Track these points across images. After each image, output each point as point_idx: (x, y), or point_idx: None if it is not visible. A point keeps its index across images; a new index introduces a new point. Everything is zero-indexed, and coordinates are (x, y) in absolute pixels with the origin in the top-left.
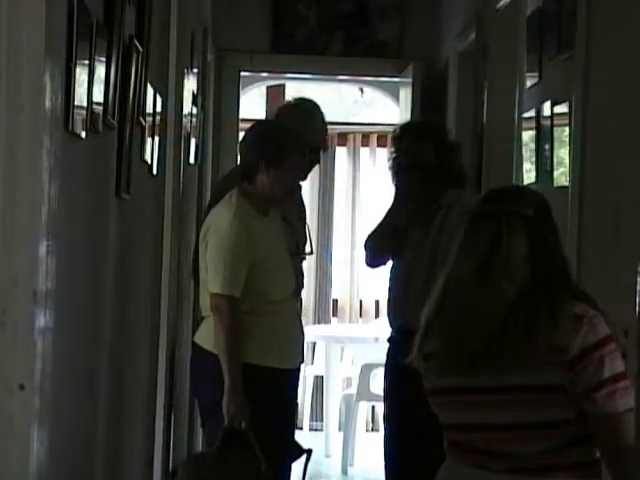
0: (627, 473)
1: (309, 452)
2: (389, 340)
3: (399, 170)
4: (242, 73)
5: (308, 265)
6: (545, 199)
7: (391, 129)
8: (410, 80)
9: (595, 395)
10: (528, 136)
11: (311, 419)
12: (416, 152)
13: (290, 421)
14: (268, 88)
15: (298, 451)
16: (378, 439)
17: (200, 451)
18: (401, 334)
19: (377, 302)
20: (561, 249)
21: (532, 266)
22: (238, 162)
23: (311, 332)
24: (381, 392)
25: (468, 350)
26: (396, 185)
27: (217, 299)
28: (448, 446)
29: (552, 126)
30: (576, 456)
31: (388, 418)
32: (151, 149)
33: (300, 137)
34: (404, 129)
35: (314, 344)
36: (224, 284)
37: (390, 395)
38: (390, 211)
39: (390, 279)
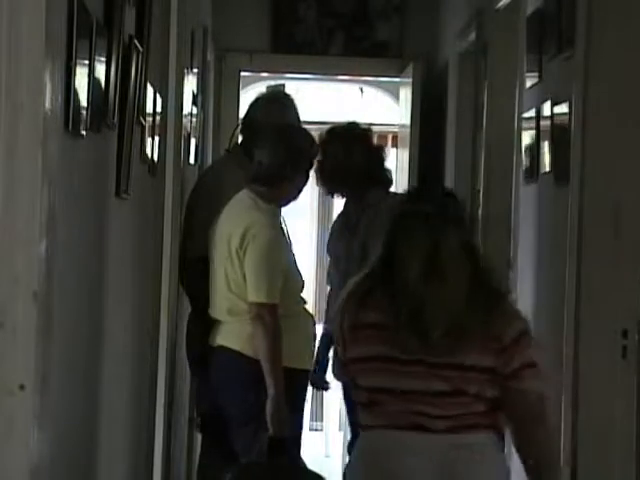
0: (537, 442)
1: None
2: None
3: (324, 173)
4: (242, 73)
5: (308, 265)
6: (461, 201)
7: (391, 129)
8: (410, 80)
9: (522, 373)
10: (528, 136)
11: (311, 419)
12: (344, 154)
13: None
14: (268, 88)
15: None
16: None
17: (246, 462)
18: None
19: None
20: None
21: (471, 263)
22: (259, 163)
23: None
24: None
25: (427, 332)
26: (322, 186)
27: (261, 308)
28: (376, 413)
29: (552, 126)
30: (495, 419)
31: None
32: (151, 149)
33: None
34: (330, 133)
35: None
36: (269, 293)
37: None
38: None
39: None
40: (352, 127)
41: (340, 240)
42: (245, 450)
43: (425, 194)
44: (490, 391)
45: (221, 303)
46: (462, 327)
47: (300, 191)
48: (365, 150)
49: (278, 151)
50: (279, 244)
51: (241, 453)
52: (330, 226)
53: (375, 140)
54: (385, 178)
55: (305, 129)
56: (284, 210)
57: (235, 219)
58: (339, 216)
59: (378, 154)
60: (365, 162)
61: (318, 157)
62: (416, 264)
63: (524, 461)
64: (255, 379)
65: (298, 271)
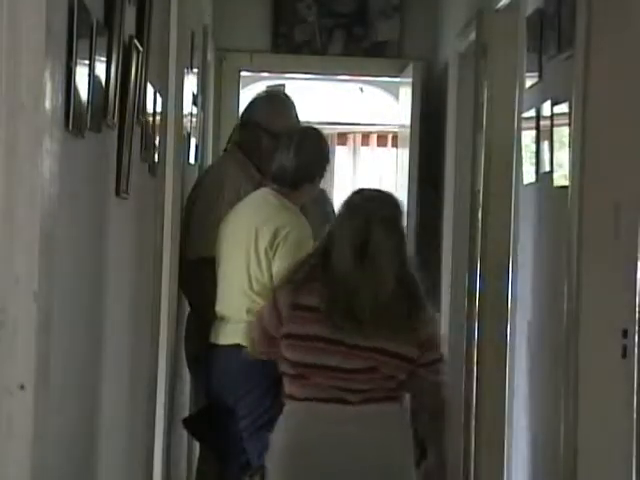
0: (438, 425)
1: None
2: None
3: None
4: (242, 73)
5: None
6: (400, 203)
7: (391, 129)
8: (410, 80)
9: (434, 367)
10: (528, 136)
11: None
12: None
13: None
14: (268, 88)
15: None
16: None
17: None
18: None
19: None
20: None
21: (400, 260)
22: (281, 166)
23: None
24: None
25: (357, 317)
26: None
27: None
28: (301, 386)
29: (552, 126)
30: (401, 393)
31: None
32: (151, 149)
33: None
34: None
35: None
36: None
37: None
38: None
39: None
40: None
41: None
42: (260, 455)
43: (366, 195)
44: (402, 375)
45: (239, 301)
46: (388, 316)
47: (315, 192)
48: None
49: (303, 154)
50: (310, 244)
51: (256, 460)
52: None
53: (377, 140)
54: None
55: (321, 131)
56: None
57: (265, 219)
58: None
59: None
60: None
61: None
62: (349, 256)
63: (422, 429)
64: (273, 382)
65: None
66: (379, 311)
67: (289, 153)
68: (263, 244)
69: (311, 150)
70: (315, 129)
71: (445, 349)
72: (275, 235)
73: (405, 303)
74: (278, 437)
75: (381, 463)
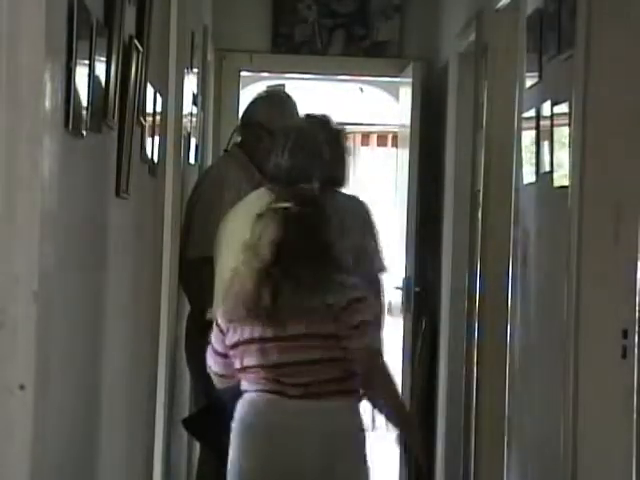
0: (381, 388)
1: None
2: None
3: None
4: (242, 73)
5: None
6: (319, 199)
7: (391, 129)
8: (410, 80)
9: (350, 333)
10: (528, 136)
11: None
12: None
13: None
14: (268, 88)
15: None
16: (378, 438)
17: None
18: None
19: None
20: (330, 235)
21: (305, 246)
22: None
23: None
24: None
25: (276, 312)
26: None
27: None
28: (252, 380)
29: (552, 126)
30: (352, 385)
31: None
32: (151, 149)
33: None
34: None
35: None
36: None
37: None
38: None
39: None
40: (317, 119)
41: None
42: None
43: (289, 192)
44: (333, 353)
45: None
46: (299, 299)
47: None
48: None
49: (299, 153)
50: None
51: None
52: None
53: (377, 140)
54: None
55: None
56: None
57: (254, 217)
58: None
59: (343, 153)
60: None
61: (274, 149)
62: (267, 252)
63: (378, 409)
64: None
65: None
66: (293, 301)
67: (285, 152)
68: None
69: (304, 149)
70: (309, 128)
71: (366, 312)
72: None
73: (320, 285)
74: (233, 426)
75: (321, 462)
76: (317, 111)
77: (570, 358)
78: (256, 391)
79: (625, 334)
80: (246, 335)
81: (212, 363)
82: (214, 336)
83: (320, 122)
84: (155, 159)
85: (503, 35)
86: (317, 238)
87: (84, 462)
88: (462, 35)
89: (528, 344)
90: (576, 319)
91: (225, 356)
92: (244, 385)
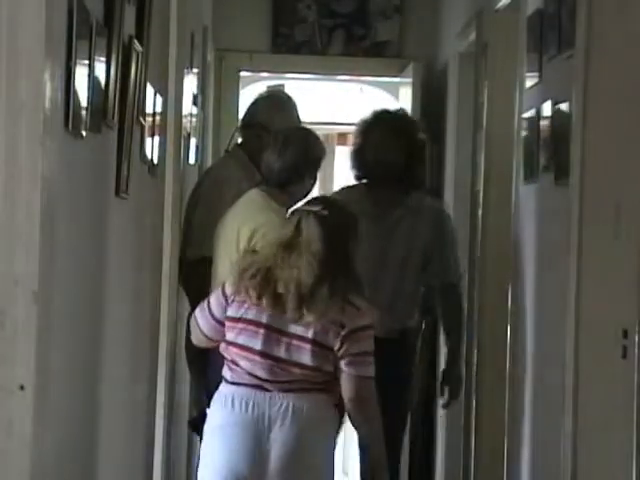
0: (365, 418)
1: None
2: None
3: (363, 163)
4: (242, 73)
5: None
6: (342, 207)
7: None
8: (410, 80)
9: (353, 360)
10: (528, 136)
11: None
12: (386, 148)
13: None
14: (268, 88)
15: None
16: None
17: None
18: None
19: None
20: (350, 247)
21: (326, 245)
22: (269, 166)
23: None
24: None
25: (283, 303)
26: (358, 177)
27: None
28: (232, 371)
29: (552, 126)
30: (333, 387)
31: None
32: (151, 149)
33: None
34: (377, 119)
35: None
36: None
37: None
38: None
39: None
40: (399, 117)
41: (364, 233)
42: None
43: (314, 201)
44: (327, 366)
45: None
46: (311, 303)
47: (308, 192)
48: (410, 145)
49: (288, 155)
50: None
51: None
52: None
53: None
54: (423, 179)
55: (313, 131)
56: None
57: (246, 218)
58: (356, 202)
59: (421, 152)
60: (407, 158)
61: (358, 140)
62: (277, 248)
63: (358, 432)
64: None
65: None
66: (303, 298)
67: (274, 153)
68: (242, 244)
69: (296, 151)
70: (303, 129)
71: (370, 342)
72: (253, 235)
73: (330, 293)
74: (210, 413)
75: (291, 458)
76: (316, 111)
77: (570, 358)
78: (233, 384)
79: (625, 334)
80: (250, 315)
81: (202, 322)
82: (215, 300)
83: (397, 127)
84: (155, 159)
85: (503, 35)
86: (347, 250)
87: (84, 462)
88: (462, 35)
89: (528, 344)
90: (576, 319)
91: (220, 323)
92: (225, 372)
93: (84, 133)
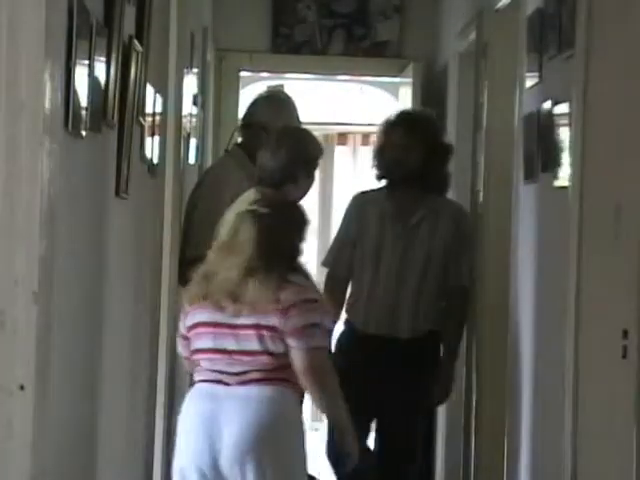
0: (315, 391)
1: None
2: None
3: (383, 165)
4: (242, 73)
5: (309, 264)
6: (284, 202)
7: None
8: (410, 80)
9: (296, 332)
10: (528, 136)
11: (311, 419)
12: (407, 148)
13: None
14: (268, 88)
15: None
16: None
17: None
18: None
19: None
20: (290, 237)
21: (257, 245)
22: (262, 166)
23: None
24: None
25: (220, 297)
26: (378, 177)
27: None
28: (197, 371)
29: (552, 126)
30: (289, 374)
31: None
32: (151, 149)
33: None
34: (398, 118)
35: None
36: None
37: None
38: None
39: (361, 283)
40: (423, 117)
41: (386, 234)
42: None
43: (258, 199)
44: (275, 347)
45: None
46: (246, 290)
47: (305, 192)
48: (430, 148)
49: (280, 154)
50: None
51: None
52: (330, 226)
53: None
54: (446, 181)
55: (308, 130)
56: None
57: None
58: (377, 203)
59: (442, 155)
60: (425, 161)
61: (380, 140)
62: (217, 251)
63: (320, 409)
64: None
65: None
66: (233, 295)
67: (267, 153)
68: None
69: (289, 150)
70: (298, 128)
71: (315, 315)
72: None
73: (262, 282)
74: (181, 412)
75: (242, 449)
76: (316, 111)
77: (570, 358)
78: (200, 381)
79: (625, 334)
80: (202, 318)
81: (179, 346)
82: (180, 319)
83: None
84: (155, 159)
85: (503, 35)
86: (286, 244)
87: (84, 462)
88: (462, 35)
89: (528, 344)
90: (576, 319)
91: (186, 338)
92: (195, 376)
93: (84, 133)
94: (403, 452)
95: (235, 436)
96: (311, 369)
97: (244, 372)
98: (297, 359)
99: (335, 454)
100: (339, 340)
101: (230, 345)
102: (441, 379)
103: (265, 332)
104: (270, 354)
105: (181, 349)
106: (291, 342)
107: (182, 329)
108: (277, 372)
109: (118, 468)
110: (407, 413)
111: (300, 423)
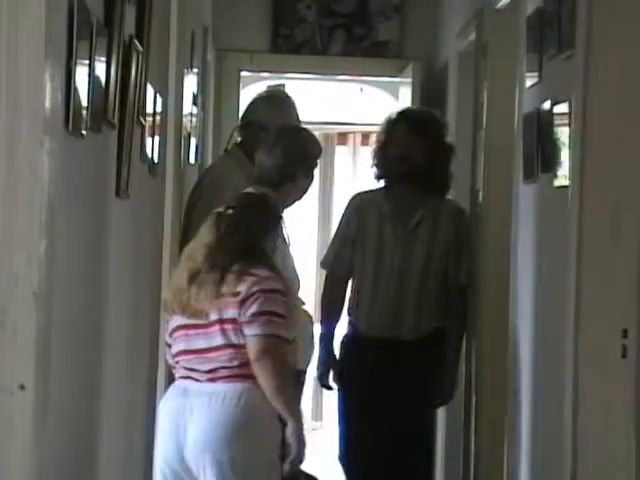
0: (263, 380)
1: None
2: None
3: (385, 163)
4: (242, 73)
5: (309, 265)
6: (254, 202)
7: None
8: (410, 80)
9: (251, 319)
10: (528, 136)
11: (311, 419)
12: (408, 145)
13: None
14: (268, 88)
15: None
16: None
17: None
18: (384, 346)
19: None
20: (256, 231)
21: (218, 240)
22: (260, 165)
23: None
24: None
25: (173, 305)
26: (378, 176)
27: None
28: (176, 370)
29: (552, 126)
30: (250, 371)
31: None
32: (151, 149)
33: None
34: (402, 116)
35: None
36: None
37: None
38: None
39: (363, 285)
40: (424, 115)
41: (385, 235)
42: None
43: (240, 196)
44: (237, 339)
45: None
46: (205, 286)
47: (305, 192)
48: (433, 147)
49: (278, 153)
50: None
51: None
52: (330, 226)
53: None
54: (448, 180)
55: (306, 129)
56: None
57: None
58: (376, 203)
59: (445, 155)
60: (430, 157)
61: (382, 137)
62: (186, 259)
63: (269, 397)
64: None
65: (295, 272)
66: (193, 285)
67: (264, 152)
68: None
69: (286, 149)
70: (296, 127)
71: (273, 303)
72: None
73: (218, 272)
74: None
75: (209, 444)
76: (316, 111)
77: (570, 358)
78: (177, 378)
79: (625, 334)
80: (177, 322)
81: (166, 354)
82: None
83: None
84: (155, 159)
85: (503, 35)
86: (241, 236)
87: (84, 462)
88: (462, 35)
89: (528, 344)
90: (576, 319)
91: (169, 345)
92: (174, 375)
93: (84, 133)
94: (409, 453)
95: (199, 432)
96: (260, 356)
97: (214, 369)
98: (250, 346)
99: (347, 458)
100: (343, 344)
101: (200, 344)
102: (445, 379)
103: (227, 325)
104: (233, 346)
105: (168, 358)
106: (246, 330)
107: (166, 336)
108: (245, 368)
109: (118, 468)
110: (413, 414)
111: (269, 419)
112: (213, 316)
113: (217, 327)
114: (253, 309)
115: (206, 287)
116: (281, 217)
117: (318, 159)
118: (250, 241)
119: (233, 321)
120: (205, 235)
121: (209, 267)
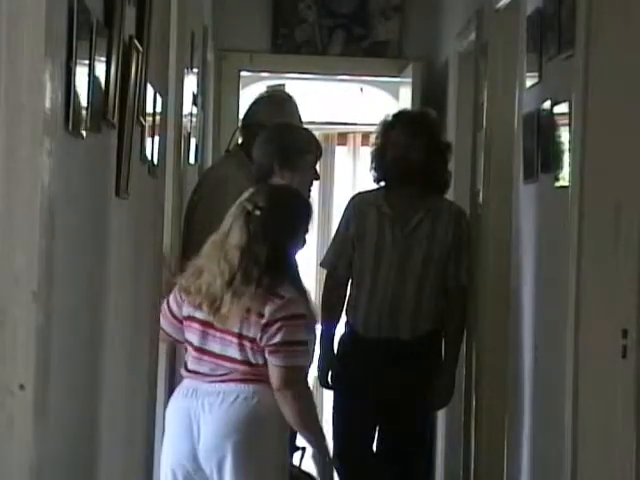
0: (288, 410)
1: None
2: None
3: (382, 163)
4: (242, 73)
5: (309, 265)
6: (282, 200)
7: None
8: (410, 80)
9: (275, 349)
10: (528, 136)
11: None
12: (406, 146)
13: None
14: (268, 88)
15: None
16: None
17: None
18: (382, 346)
19: None
20: (285, 235)
21: (243, 256)
22: (255, 162)
23: None
24: None
25: (201, 301)
26: (377, 179)
27: None
28: (184, 366)
29: (552, 126)
30: (266, 374)
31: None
32: (151, 149)
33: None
34: (397, 118)
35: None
36: None
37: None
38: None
39: (361, 285)
40: (422, 115)
41: (385, 235)
42: None
43: (257, 191)
44: (256, 358)
45: None
46: (236, 297)
47: (299, 186)
48: (431, 147)
49: (265, 149)
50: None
51: None
52: (331, 226)
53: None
54: (447, 180)
55: (303, 128)
56: None
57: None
58: (375, 204)
59: (443, 154)
60: (428, 158)
61: (380, 140)
62: (210, 248)
63: (294, 427)
64: None
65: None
66: (216, 296)
67: (254, 149)
68: None
69: (266, 143)
70: (285, 122)
71: (297, 332)
72: None
73: (241, 292)
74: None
75: (217, 442)
76: (316, 111)
77: (570, 358)
78: (186, 376)
79: (625, 334)
80: (194, 313)
81: (165, 323)
82: (173, 300)
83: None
84: (155, 159)
85: (503, 35)
86: (269, 245)
87: (84, 462)
88: (462, 35)
89: (528, 344)
90: (576, 319)
91: (178, 320)
92: (183, 364)
93: (84, 133)
94: (407, 454)
95: (213, 431)
96: (284, 386)
97: (225, 374)
98: (273, 376)
99: (343, 457)
100: (340, 344)
101: (215, 348)
102: (443, 381)
103: (246, 343)
104: (250, 365)
105: (172, 330)
106: (269, 357)
107: (175, 309)
108: (258, 375)
109: (118, 468)
110: (410, 414)
111: (279, 418)
112: (234, 327)
113: (235, 340)
114: (277, 339)
115: (242, 300)
116: (311, 208)
117: (306, 154)
118: (278, 252)
119: (252, 340)
120: (235, 234)
121: (245, 278)
